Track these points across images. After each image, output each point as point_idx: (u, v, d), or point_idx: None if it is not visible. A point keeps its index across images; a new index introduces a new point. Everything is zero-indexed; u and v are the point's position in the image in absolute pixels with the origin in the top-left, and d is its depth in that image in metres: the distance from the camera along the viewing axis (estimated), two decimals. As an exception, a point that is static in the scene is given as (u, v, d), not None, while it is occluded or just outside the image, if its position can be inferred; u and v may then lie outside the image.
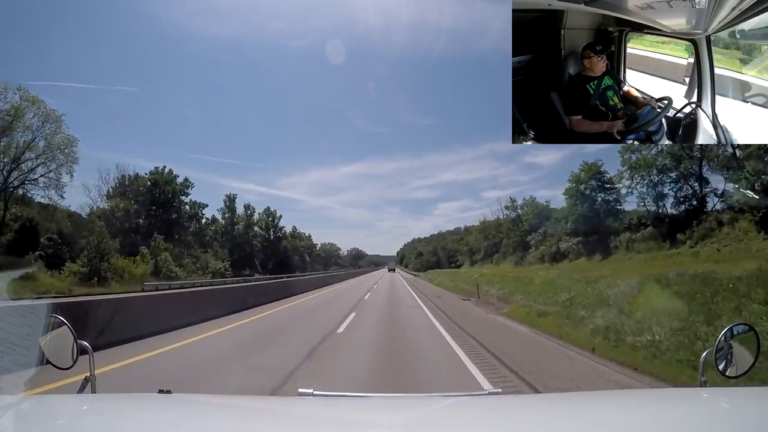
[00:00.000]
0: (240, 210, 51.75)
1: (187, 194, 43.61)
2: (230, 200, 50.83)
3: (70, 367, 1.44)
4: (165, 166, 41.62)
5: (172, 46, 69.56)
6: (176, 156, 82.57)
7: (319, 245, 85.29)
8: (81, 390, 1.37)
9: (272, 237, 56.46)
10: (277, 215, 58.65)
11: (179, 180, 41.96)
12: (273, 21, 76.49)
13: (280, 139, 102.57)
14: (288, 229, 62.70)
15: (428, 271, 56.85)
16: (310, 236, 73.95)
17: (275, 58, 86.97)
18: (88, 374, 1.40)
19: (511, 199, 44.60)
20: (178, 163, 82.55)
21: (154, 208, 38.58)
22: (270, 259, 52.51)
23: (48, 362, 1.43)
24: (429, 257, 78.43)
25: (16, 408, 1.17)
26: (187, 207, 43.64)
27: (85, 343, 1.45)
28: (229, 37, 74.25)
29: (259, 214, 56.12)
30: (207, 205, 46.28)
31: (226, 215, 49.98)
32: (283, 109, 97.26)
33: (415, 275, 58.27)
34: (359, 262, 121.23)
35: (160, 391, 1.38)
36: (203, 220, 46.56)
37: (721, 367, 1.38)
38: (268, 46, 79.62)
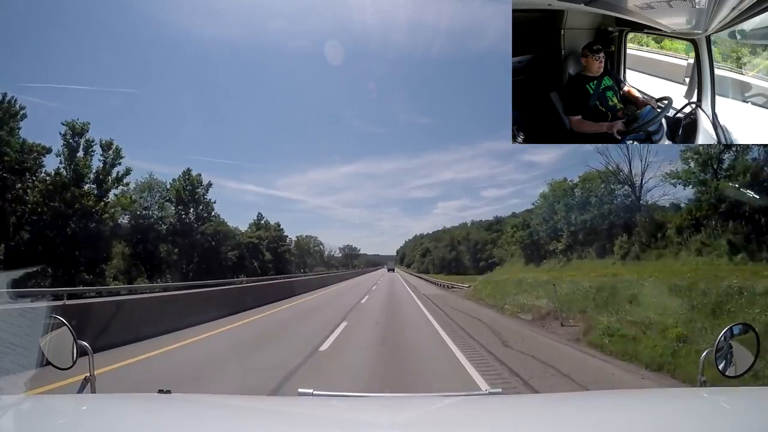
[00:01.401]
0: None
1: (12, 129, 22.03)
2: (74, 131, 24.48)
3: (70, 368, 1.44)
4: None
5: (170, 46, 69.42)
6: (174, 156, 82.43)
7: (294, 239, 58.49)
8: (81, 390, 1.37)
9: (193, 217, 33.61)
10: (205, 183, 34.26)
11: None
12: (271, 21, 76.69)
13: (279, 139, 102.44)
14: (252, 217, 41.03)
15: (479, 280, 23.88)
16: (279, 224, 48.39)
17: (273, 58, 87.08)
18: (88, 374, 1.40)
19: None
20: (177, 163, 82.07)
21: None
22: (186, 254, 31.49)
23: (48, 363, 1.43)
24: (443, 254, 56.06)
25: (17, 408, 1.17)
26: (12, 152, 21.68)
27: (85, 343, 1.45)
28: (227, 37, 74.24)
29: (175, 179, 32.90)
30: (50, 150, 23.63)
31: (69, 166, 24.27)
32: (282, 109, 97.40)
33: (438, 285, 29.56)
34: (353, 262, 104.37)
35: (160, 391, 1.38)
36: (45, 177, 23.61)
37: (721, 367, 1.38)
38: (267, 47, 79.61)
